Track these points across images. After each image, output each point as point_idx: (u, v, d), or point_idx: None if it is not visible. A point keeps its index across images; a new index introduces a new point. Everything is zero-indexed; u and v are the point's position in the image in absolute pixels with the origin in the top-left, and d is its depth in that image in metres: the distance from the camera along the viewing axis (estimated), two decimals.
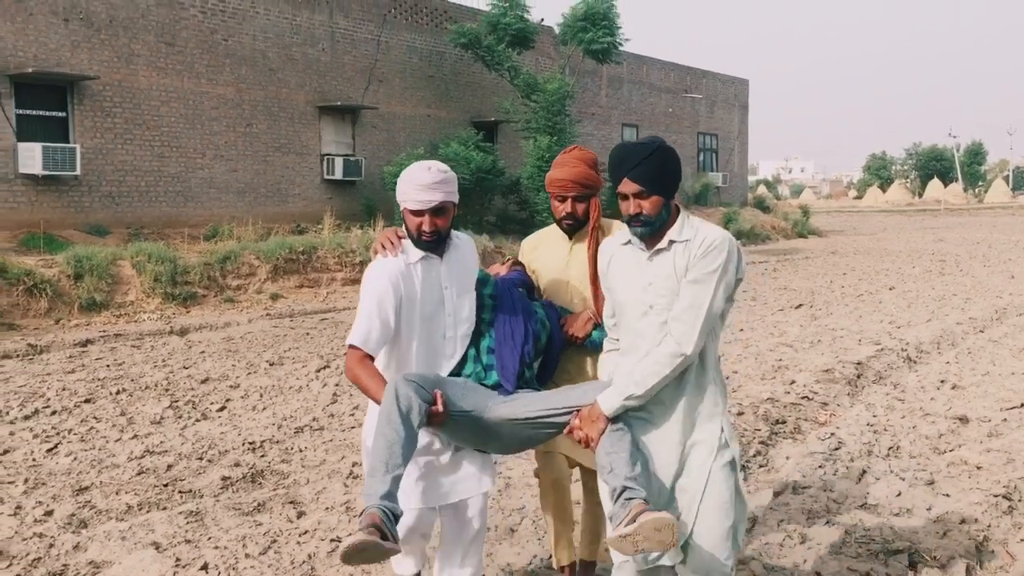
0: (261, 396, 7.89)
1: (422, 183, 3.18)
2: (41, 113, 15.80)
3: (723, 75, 38.07)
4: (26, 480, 5.56)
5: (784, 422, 6.88)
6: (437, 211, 3.21)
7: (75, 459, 6.01)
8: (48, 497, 5.25)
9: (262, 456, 6.08)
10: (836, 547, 4.36)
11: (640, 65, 32.39)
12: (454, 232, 3.43)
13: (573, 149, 3.81)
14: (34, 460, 6.01)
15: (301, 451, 6.21)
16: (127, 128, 16.99)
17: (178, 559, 4.33)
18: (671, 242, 2.95)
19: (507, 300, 3.43)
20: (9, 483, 5.51)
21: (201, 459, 6.02)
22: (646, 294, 2.98)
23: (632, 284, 3.03)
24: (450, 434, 3.26)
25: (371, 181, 21.09)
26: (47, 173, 15.25)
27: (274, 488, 5.45)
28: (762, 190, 58.33)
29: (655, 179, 2.91)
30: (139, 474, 5.70)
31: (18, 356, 9.96)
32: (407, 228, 3.29)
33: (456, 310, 3.35)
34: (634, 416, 3.00)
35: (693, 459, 2.94)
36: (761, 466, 5.89)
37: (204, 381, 8.55)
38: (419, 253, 3.29)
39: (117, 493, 5.34)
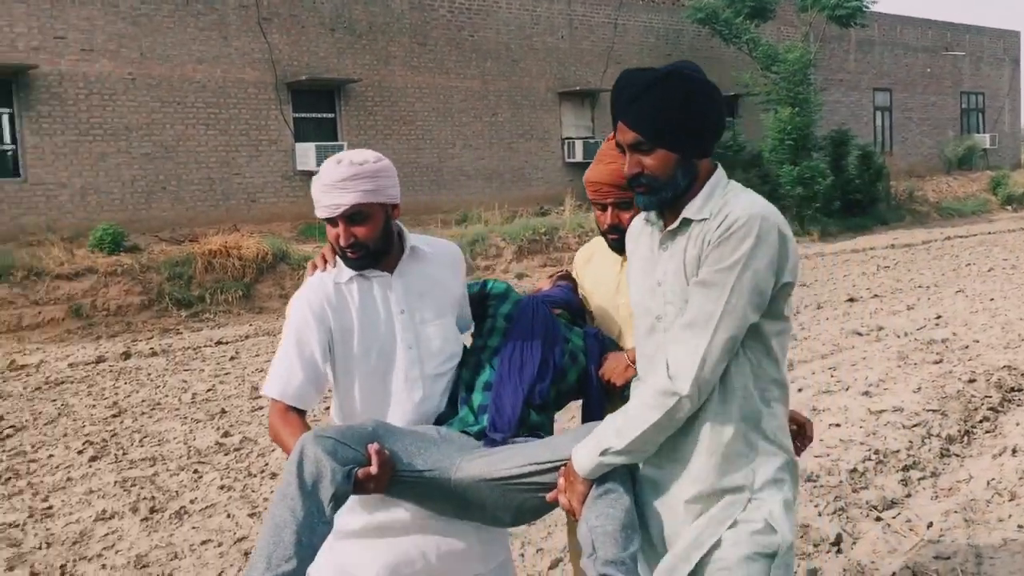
0: None
1: (327, 181, 2.42)
2: (313, 115, 17.66)
3: (989, 28, 35.19)
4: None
5: (1020, 390, 6.72)
6: (354, 218, 2.42)
7: None
8: None
9: None
10: None
11: (893, 25, 30.68)
12: (423, 238, 2.67)
13: (613, 137, 2.62)
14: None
15: None
16: (386, 124, 18.59)
17: None
18: (685, 221, 2.04)
19: (525, 322, 2.59)
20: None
21: None
22: (653, 299, 2.09)
23: (642, 283, 2.15)
24: (410, 503, 2.43)
25: None
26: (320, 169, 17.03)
27: None
28: None
29: (661, 123, 1.98)
30: None
31: None
32: (330, 242, 2.53)
33: (420, 341, 2.53)
34: (644, 473, 2.14)
35: (715, 556, 1.99)
36: (987, 432, 5.87)
37: None
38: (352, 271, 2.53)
39: None
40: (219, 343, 10.51)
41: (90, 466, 5.92)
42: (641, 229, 2.20)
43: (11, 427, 6.93)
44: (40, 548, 4.60)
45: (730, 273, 1.91)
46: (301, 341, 2.45)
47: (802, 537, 4.25)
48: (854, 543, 4.20)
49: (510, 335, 2.57)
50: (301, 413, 2.45)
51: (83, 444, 6.39)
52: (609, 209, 2.66)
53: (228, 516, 4.96)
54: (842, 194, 22.24)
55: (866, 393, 6.74)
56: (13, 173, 14.34)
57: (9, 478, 5.72)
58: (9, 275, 11.77)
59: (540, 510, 2.29)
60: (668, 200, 2.04)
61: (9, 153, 14.38)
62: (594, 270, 2.89)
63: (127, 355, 9.81)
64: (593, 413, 2.62)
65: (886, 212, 23.55)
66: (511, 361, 2.50)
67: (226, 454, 6.11)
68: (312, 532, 2.09)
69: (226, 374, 8.72)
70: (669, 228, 2.06)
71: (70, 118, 14.71)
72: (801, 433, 2.46)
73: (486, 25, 20.05)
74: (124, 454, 6.16)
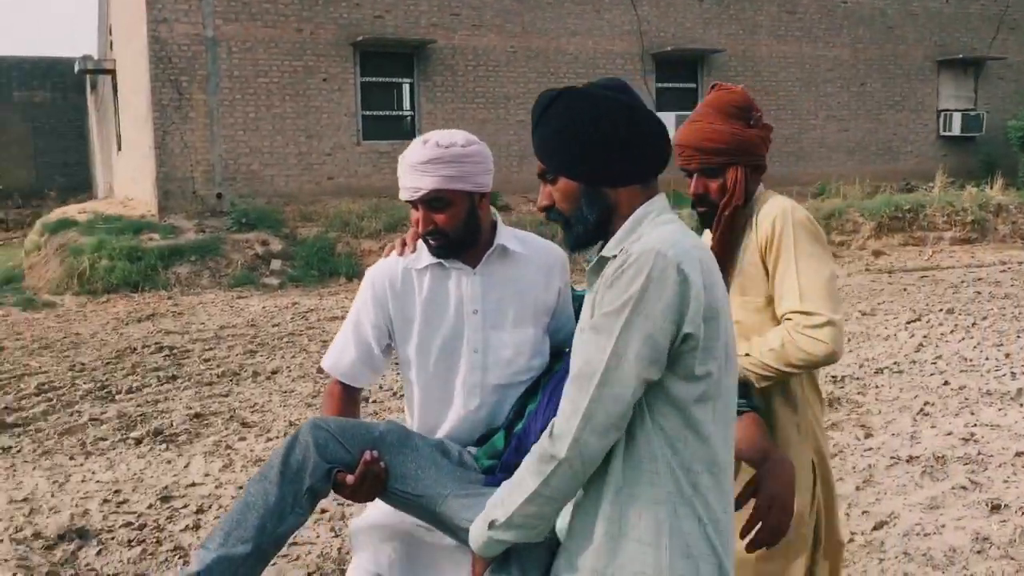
0: (848, 340, 8.64)
1: (410, 162, 2.27)
2: (675, 86, 18.13)
3: None
4: None
5: None
6: (433, 203, 2.26)
7: None
8: None
9: (841, 387, 6.91)
10: None
11: None
12: (521, 235, 2.46)
13: (711, 89, 2.58)
14: None
15: (877, 387, 6.89)
16: (752, 94, 18.55)
17: None
18: (600, 260, 1.80)
19: None
20: None
21: None
22: (582, 346, 1.80)
23: (579, 326, 1.86)
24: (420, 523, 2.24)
25: (992, 136, 19.94)
26: None
27: (848, 413, 6.28)
28: None
29: (552, 148, 1.81)
30: None
31: None
32: (412, 226, 2.39)
33: (488, 346, 2.34)
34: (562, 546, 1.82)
35: None
36: None
37: None
38: (432, 258, 2.36)
39: None
40: None
41: None
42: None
43: None
44: None
45: (616, 318, 1.64)
46: (359, 321, 2.41)
47: None
48: None
49: (565, 359, 2.17)
50: (353, 391, 2.45)
51: None
52: (694, 177, 2.43)
53: None
54: None
55: None
56: (410, 136, 16.32)
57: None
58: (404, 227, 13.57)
59: None
60: (583, 236, 1.82)
61: (408, 118, 16.41)
62: None
63: None
64: None
65: None
66: (553, 394, 2.14)
67: None
68: (280, 520, 2.02)
69: None
70: (590, 268, 1.82)
71: (459, 87, 16.41)
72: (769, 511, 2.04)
73: None
74: None
